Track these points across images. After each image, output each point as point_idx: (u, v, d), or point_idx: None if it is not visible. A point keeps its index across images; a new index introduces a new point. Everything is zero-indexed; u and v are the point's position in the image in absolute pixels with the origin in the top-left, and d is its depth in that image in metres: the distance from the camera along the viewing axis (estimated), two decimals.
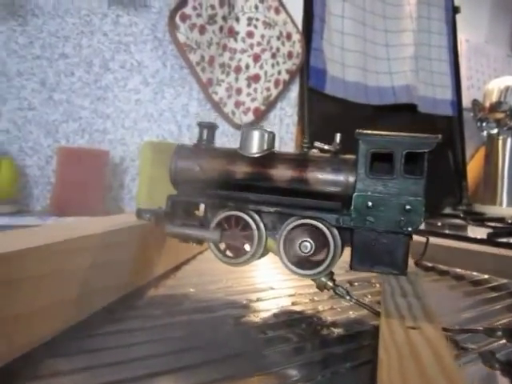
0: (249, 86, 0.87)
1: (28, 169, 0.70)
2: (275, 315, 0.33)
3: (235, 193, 0.34)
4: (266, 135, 0.34)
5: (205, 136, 0.37)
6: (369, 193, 0.29)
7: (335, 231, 0.30)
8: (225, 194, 0.34)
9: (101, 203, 0.68)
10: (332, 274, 0.31)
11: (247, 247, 0.33)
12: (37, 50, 0.68)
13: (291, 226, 0.31)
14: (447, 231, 0.71)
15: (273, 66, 0.89)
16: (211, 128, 0.37)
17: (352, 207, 0.29)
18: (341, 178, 0.30)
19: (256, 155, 0.33)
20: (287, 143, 0.94)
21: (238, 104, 0.86)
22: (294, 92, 0.94)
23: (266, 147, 0.34)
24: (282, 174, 0.33)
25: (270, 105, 0.91)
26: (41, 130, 0.70)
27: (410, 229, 0.28)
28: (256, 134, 0.34)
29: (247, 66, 0.86)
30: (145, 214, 0.36)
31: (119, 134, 0.75)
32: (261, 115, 0.89)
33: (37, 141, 0.70)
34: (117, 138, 0.75)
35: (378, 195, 0.29)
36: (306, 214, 0.31)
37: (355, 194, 0.29)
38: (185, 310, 0.33)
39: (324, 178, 0.31)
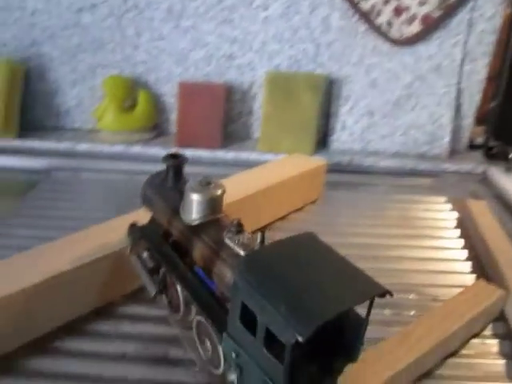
0: None
1: (163, 97, 0.76)
2: None
3: (168, 254, 0.32)
4: (208, 200, 0.30)
5: (171, 174, 0.34)
6: (237, 341, 0.24)
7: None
8: (163, 251, 0.33)
9: (220, 136, 0.71)
10: None
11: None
12: None
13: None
14: None
15: None
16: (177, 167, 0.34)
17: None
18: None
19: (190, 222, 0.30)
20: (477, 60, 0.70)
21: (398, 11, 0.67)
22: None
23: (204, 213, 0.30)
24: (197, 255, 0.29)
25: (450, 9, 0.67)
26: (172, 59, 0.73)
27: None
28: (195, 200, 0.30)
29: None
30: (130, 234, 0.38)
31: (247, 58, 0.72)
32: (433, 24, 0.68)
33: (169, 70, 0.74)
34: (244, 62, 0.72)
35: (243, 351, 0.24)
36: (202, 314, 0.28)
37: (224, 335, 0.25)
38: None
39: (227, 281, 0.27)
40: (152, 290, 0.34)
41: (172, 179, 0.35)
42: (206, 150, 0.71)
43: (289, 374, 0.21)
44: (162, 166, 0.36)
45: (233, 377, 0.26)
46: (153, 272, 0.35)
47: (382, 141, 0.73)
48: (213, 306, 0.28)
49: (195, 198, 0.30)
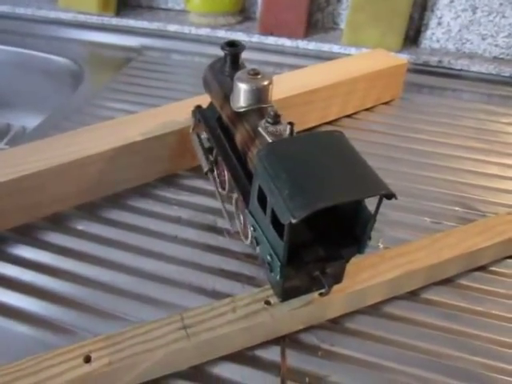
0: None
1: None
2: None
3: (220, 137, 0.36)
4: (254, 90, 0.31)
5: (228, 62, 0.36)
6: (255, 218, 0.28)
7: None
8: (216, 134, 0.36)
9: (303, 25, 0.68)
10: None
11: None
12: None
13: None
14: None
15: None
16: (235, 55, 0.35)
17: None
18: None
19: (236, 109, 0.33)
20: None
21: None
22: None
23: (249, 102, 0.32)
24: (238, 140, 0.32)
25: None
26: None
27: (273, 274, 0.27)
28: (242, 89, 0.32)
29: None
30: (193, 115, 0.41)
31: None
32: None
33: None
34: None
35: (258, 226, 0.27)
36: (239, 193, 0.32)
37: (246, 211, 0.28)
38: None
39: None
40: (205, 167, 0.38)
41: (229, 67, 0.36)
42: (288, 39, 0.69)
43: (288, 250, 0.24)
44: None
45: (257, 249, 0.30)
46: (207, 152, 0.39)
47: (482, 42, 0.64)
48: (247, 187, 0.32)
49: (242, 86, 0.32)
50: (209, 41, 0.73)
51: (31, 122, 0.78)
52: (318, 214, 0.22)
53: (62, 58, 0.71)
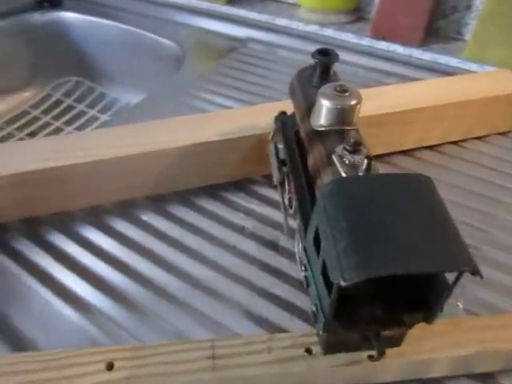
0: None
1: None
2: None
3: (293, 152, 0.32)
4: (338, 109, 0.28)
5: (317, 71, 0.32)
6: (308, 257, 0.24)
7: None
8: (291, 147, 0.33)
9: (421, 31, 0.60)
10: None
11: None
12: None
13: None
14: None
15: None
16: (326, 64, 0.32)
17: None
18: None
19: (315, 127, 0.29)
20: None
21: None
22: None
23: (330, 122, 0.28)
24: (310, 162, 0.29)
25: None
26: None
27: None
28: (324, 106, 0.28)
29: None
30: (275, 122, 0.39)
31: None
32: None
33: None
34: None
35: (310, 268, 0.24)
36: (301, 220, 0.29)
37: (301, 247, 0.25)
38: None
39: None
40: (276, 179, 0.35)
41: (318, 77, 0.33)
42: (402, 46, 0.63)
43: (335, 308, 0.21)
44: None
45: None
46: (281, 163, 0.36)
47: None
48: (310, 215, 0.28)
49: (324, 103, 0.28)
50: (316, 39, 0.69)
51: (132, 98, 0.82)
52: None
53: (169, 40, 0.73)
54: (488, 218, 0.40)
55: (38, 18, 0.93)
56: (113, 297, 0.34)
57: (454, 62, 0.60)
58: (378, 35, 0.63)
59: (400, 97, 0.45)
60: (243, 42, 0.71)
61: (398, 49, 0.63)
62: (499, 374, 0.29)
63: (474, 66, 0.58)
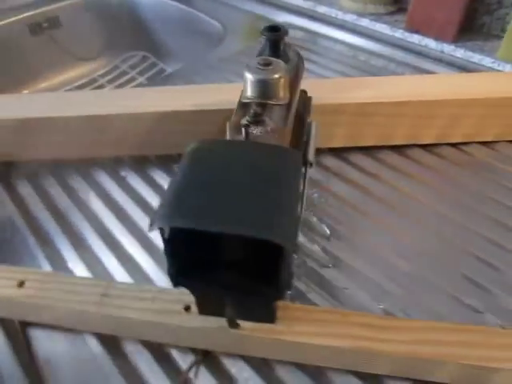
0: None
1: None
2: None
3: None
4: (259, 82, 0.28)
5: (267, 48, 0.33)
6: None
7: None
8: None
9: (455, 27, 0.56)
10: None
11: None
12: None
13: None
14: None
15: None
16: (275, 41, 0.32)
17: None
18: None
19: (242, 99, 0.30)
20: None
21: None
22: None
23: (253, 95, 0.29)
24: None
25: None
26: None
27: None
28: (247, 79, 0.29)
29: None
30: None
31: None
32: None
33: None
34: None
35: None
36: None
37: None
38: None
39: None
40: None
41: (268, 53, 0.33)
42: (434, 41, 0.59)
43: (172, 261, 0.22)
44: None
45: None
46: None
47: None
48: None
49: (247, 76, 0.29)
50: (353, 29, 0.67)
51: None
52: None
53: (215, 20, 0.76)
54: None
55: None
56: None
57: (487, 61, 0.55)
58: (412, 28, 0.60)
59: (417, 88, 0.43)
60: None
61: (431, 43, 0.59)
62: (388, 380, 0.27)
63: (507, 67, 0.53)
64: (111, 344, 0.30)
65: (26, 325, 0.31)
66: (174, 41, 0.95)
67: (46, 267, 0.34)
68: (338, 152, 0.45)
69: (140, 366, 0.28)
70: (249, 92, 0.29)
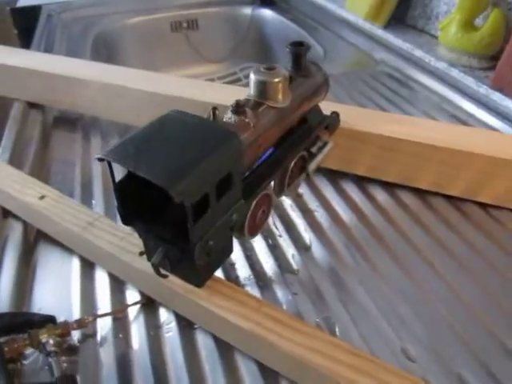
0: None
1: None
2: None
3: None
4: (259, 82, 0.32)
5: (291, 60, 0.36)
6: None
7: None
8: None
9: None
10: None
11: None
12: None
13: None
14: None
15: None
16: (298, 54, 0.35)
17: None
18: None
19: (247, 97, 0.34)
20: None
21: None
22: None
23: (253, 94, 0.33)
24: None
25: None
26: None
27: None
28: (251, 78, 0.33)
29: None
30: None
31: None
32: None
33: None
34: None
35: None
36: None
37: None
38: None
39: None
40: None
41: (291, 66, 0.36)
42: None
43: (119, 196, 0.27)
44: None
45: None
46: None
47: None
48: None
49: (251, 76, 0.33)
50: (441, 77, 0.66)
51: None
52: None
53: (319, 45, 0.81)
54: None
55: (248, 11, 1.12)
56: None
57: None
58: (497, 86, 0.57)
59: (451, 136, 0.43)
60: (377, 63, 0.73)
61: (511, 104, 0.56)
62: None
63: None
64: (87, 267, 0.36)
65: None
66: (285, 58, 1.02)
67: None
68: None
69: (97, 289, 0.34)
70: (252, 91, 0.33)
